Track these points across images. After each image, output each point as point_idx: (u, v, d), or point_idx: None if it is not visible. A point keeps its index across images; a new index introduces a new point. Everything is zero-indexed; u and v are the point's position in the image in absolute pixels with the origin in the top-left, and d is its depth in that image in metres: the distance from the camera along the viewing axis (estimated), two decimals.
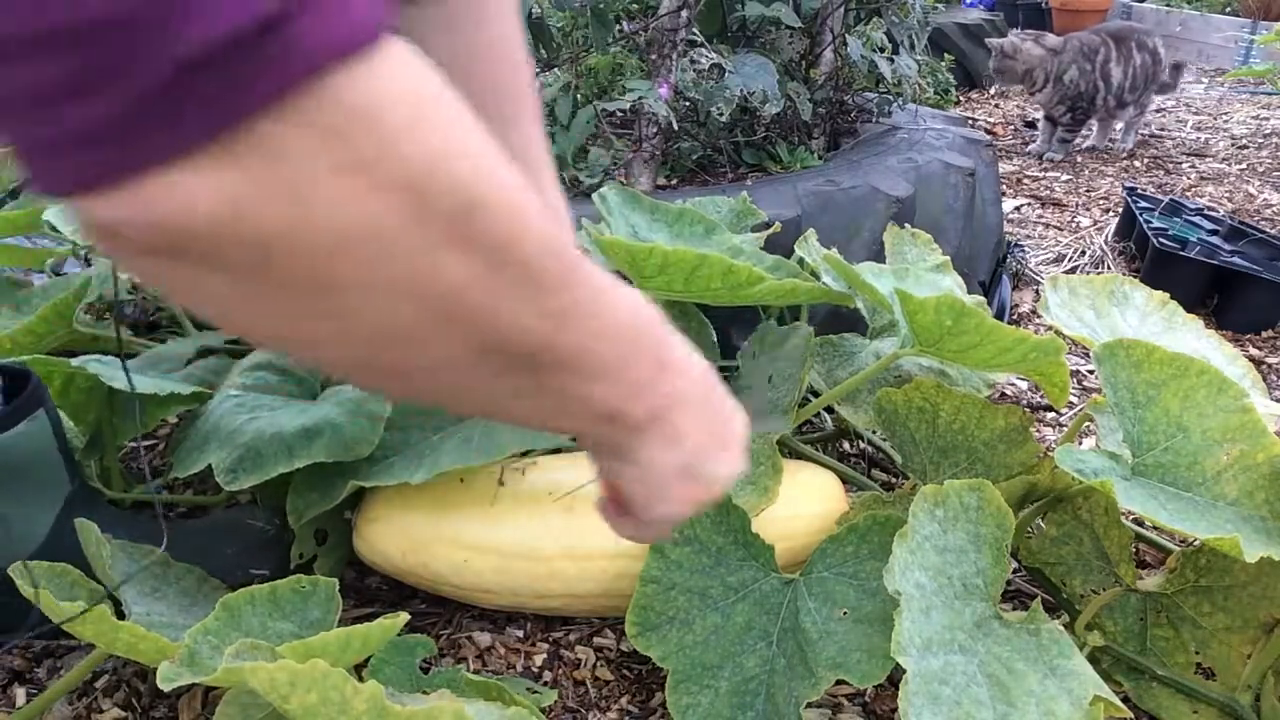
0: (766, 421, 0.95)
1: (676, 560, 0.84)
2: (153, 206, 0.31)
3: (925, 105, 2.02)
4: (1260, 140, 2.90)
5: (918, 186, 1.42)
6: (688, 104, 1.56)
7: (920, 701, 0.65)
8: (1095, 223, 2.20)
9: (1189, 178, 2.55)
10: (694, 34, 1.46)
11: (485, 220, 0.37)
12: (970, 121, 3.03)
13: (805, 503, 0.93)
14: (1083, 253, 2.02)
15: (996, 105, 3.43)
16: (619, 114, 1.56)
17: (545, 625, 0.97)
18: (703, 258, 0.90)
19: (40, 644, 0.92)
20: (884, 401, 0.97)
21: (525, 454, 0.96)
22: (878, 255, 1.26)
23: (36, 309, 1.05)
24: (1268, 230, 1.95)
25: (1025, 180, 2.54)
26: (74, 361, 0.92)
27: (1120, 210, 2.17)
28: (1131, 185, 2.32)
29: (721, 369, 1.08)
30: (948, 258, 1.20)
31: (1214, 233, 1.89)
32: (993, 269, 1.67)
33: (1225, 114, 3.26)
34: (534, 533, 0.89)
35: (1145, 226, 1.85)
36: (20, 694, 0.87)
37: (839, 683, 0.78)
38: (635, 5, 1.68)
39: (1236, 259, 1.75)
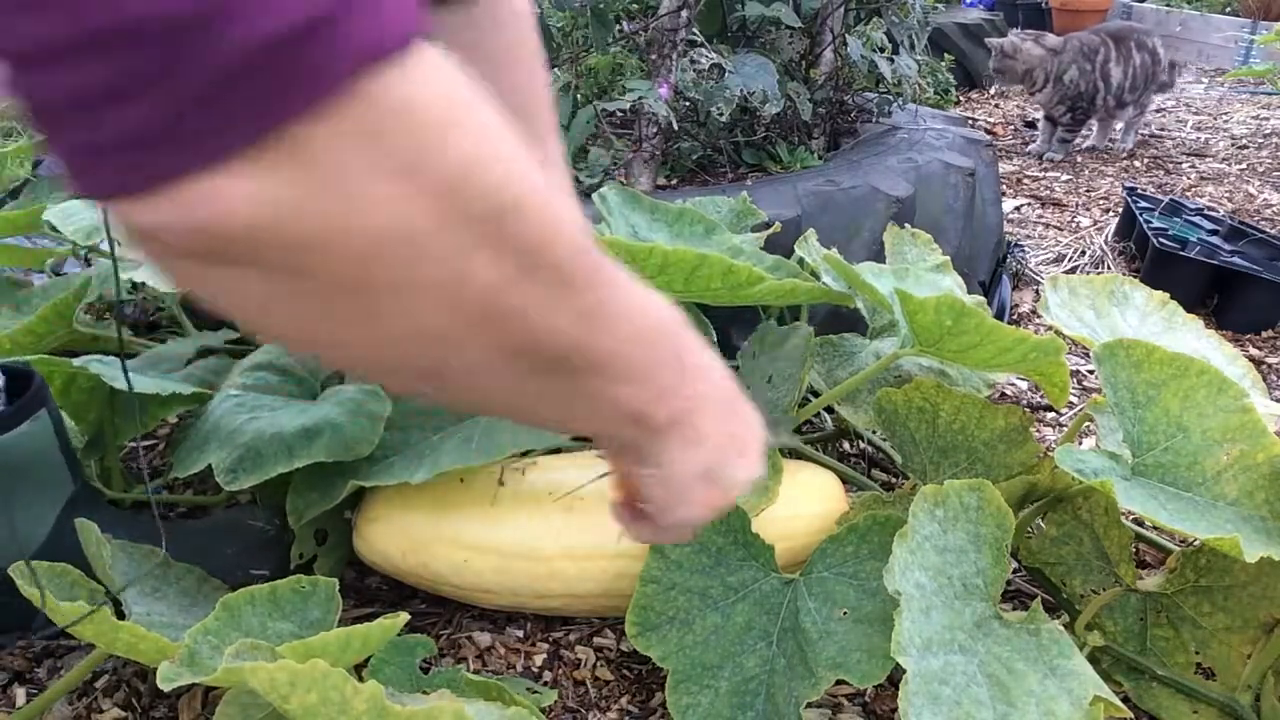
0: (774, 431, 0.95)
1: (676, 560, 0.84)
2: (193, 210, 0.31)
3: (925, 105, 2.02)
4: (1260, 140, 2.90)
5: (918, 186, 1.42)
6: (688, 104, 1.56)
7: (920, 701, 0.65)
8: (1095, 223, 2.20)
9: (1189, 178, 2.55)
10: (694, 34, 1.46)
11: (518, 223, 0.37)
12: (970, 121, 3.03)
13: (805, 503, 0.93)
14: (1083, 253, 2.02)
15: (996, 105, 3.43)
16: (619, 114, 1.56)
17: (545, 625, 0.97)
18: (703, 258, 0.90)
19: (40, 644, 0.92)
20: (884, 401, 0.97)
21: (525, 454, 0.96)
22: (878, 255, 1.26)
23: (36, 309, 1.05)
24: (1268, 230, 1.95)
25: (1025, 180, 2.54)
26: (76, 361, 0.92)
27: (1120, 210, 2.17)
28: (1131, 185, 2.32)
29: None
30: (948, 258, 1.20)
31: (1214, 233, 1.89)
32: (993, 269, 1.67)
33: (1225, 114, 3.26)
34: (534, 533, 0.89)
35: (1145, 226, 1.85)
36: (20, 694, 0.87)
37: (839, 683, 0.78)
38: (635, 5, 1.68)
39: (1236, 259, 1.75)
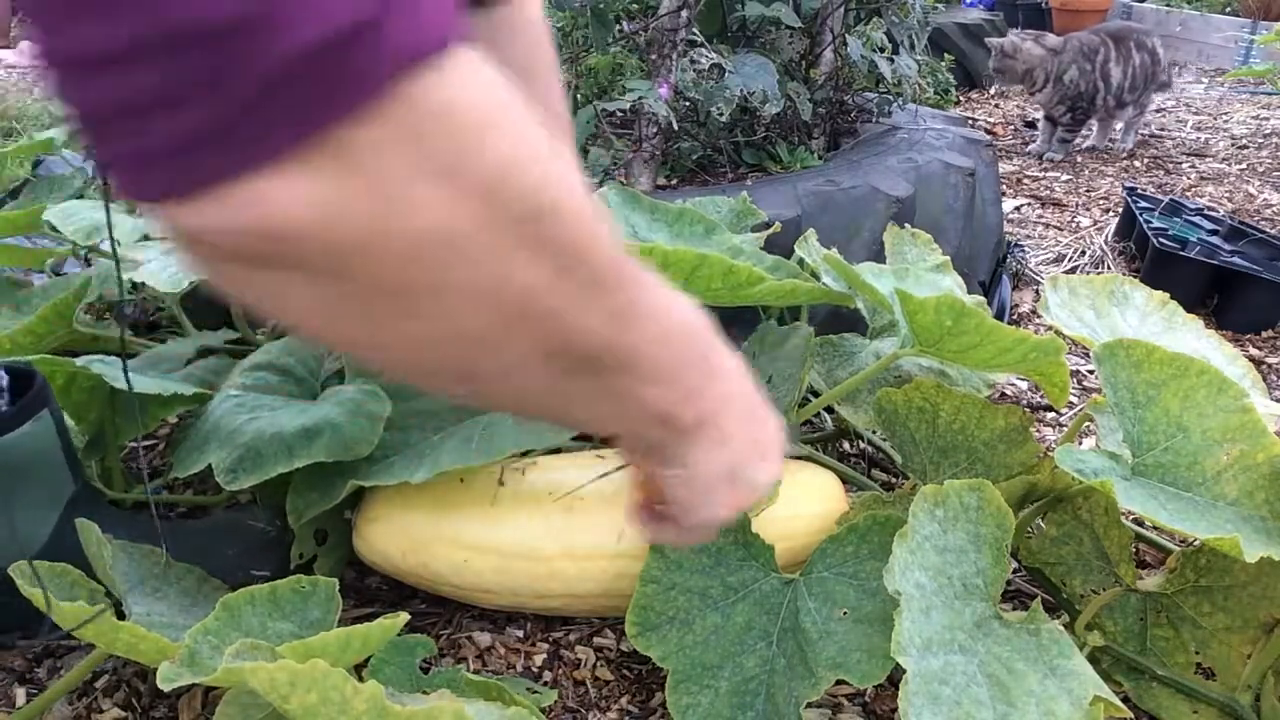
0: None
1: (676, 560, 0.84)
2: (241, 213, 0.31)
3: (925, 105, 2.02)
4: (1260, 140, 2.90)
5: (918, 186, 1.42)
6: (688, 104, 1.57)
7: (920, 701, 0.65)
8: (1095, 223, 2.20)
9: (1189, 178, 2.55)
10: (694, 34, 1.46)
11: (555, 225, 0.37)
12: (970, 121, 3.03)
13: (805, 503, 0.93)
14: (1083, 253, 2.02)
15: (996, 105, 3.43)
16: (619, 114, 1.56)
17: (545, 625, 0.97)
18: (703, 258, 0.90)
19: (41, 644, 0.92)
20: (884, 401, 0.97)
21: (525, 454, 0.96)
22: (878, 255, 1.26)
23: (36, 309, 1.05)
24: (1268, 230, 1.95)
25: (1025, 180, 2.54)
26: (77, 361, 0.92)
27: (1120, 210, 2.17)
28: (1131, 185, 2.32)
29: None
30: (948, 258, 1.20)
31: (1214, 233, 1.89)
32: (993, 269, 1.67)
33: (1225, 114, 3.26)
34: (534, 533, 0.89)
35: (1145, 226, 1.85)
36: (20, 694, 0.87)
37: (839, 683, 0.78)
38: (635, 5, 1.68)
39: (1236, 259, 1.75)
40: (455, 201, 0.34)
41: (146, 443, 1.24)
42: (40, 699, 0.80)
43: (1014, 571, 1.03)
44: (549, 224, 0.37)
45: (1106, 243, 2.04)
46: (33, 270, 1.37)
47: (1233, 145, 2.86)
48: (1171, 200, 2.04)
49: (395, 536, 0.91)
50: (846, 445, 1.25)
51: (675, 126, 1.42)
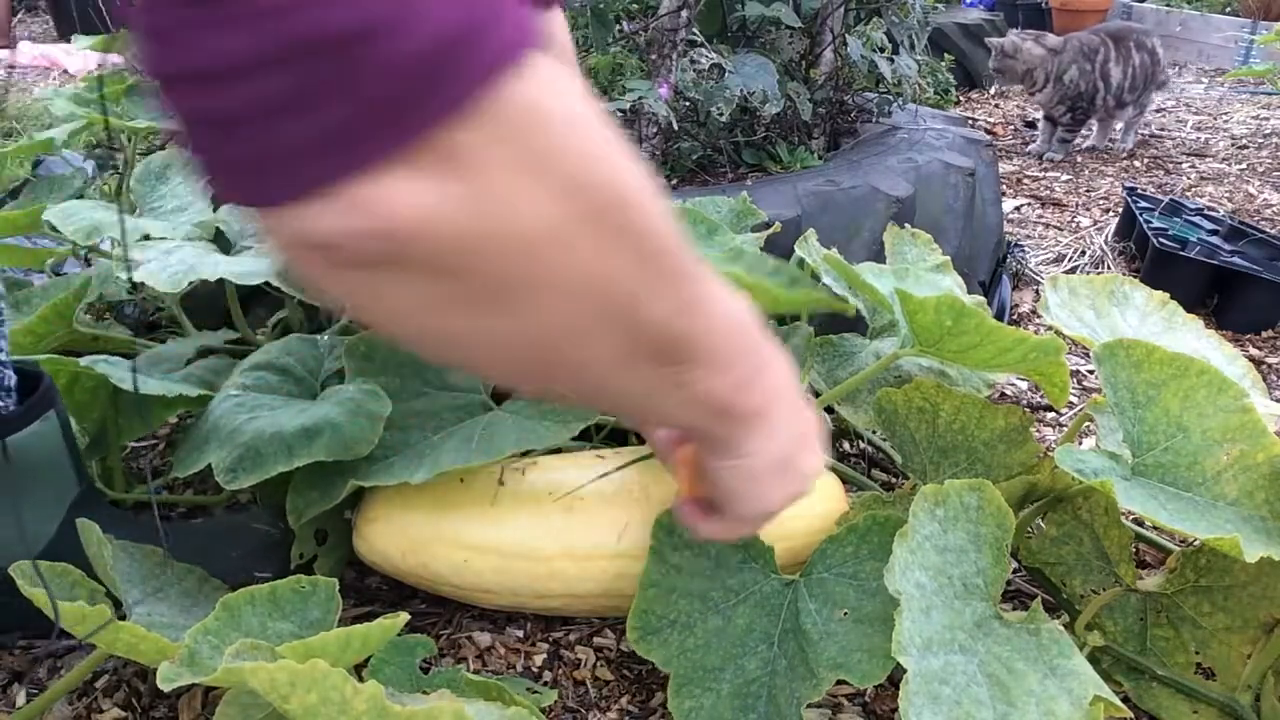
0: None
1: (676, 564, 0.84)
2: (356, 215, 0.33)
3: (925, 105, 2.01)
4: (1260, 140, 2.90)
5: (918, 186, 1.42)
6: (688, 104, 1.56)
7: (920, 701, 0.65)
8: (1095, 223, 2.20)
9: (1189, 178, 2.55)
10: (694, 34, 1.46)
11: (633, 214, 0.39)
12: (970, 121, 3.03)
13: (805, 503, 0.92)
14: (1083, 253, 2.02)
15: (996, 105, 3.43)
16: (619, 114, 1.56)
17: (545, 625, 0.97)
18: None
19: (41, 644, 0.92)
20: (884, 401, 0.97)
21: (525, 454, 0.96)
22: (878, 255, 1.26)
23: (36, 309, 1.05)
24: (1268, 230, 1.95)
25: (1025, 180, 2.54)
26: (82, 361, 0.92)
27: (1120, 210, 2.17)
28: (1131, 185, 2.32)
29: None
30: (948, 258, 1.20)
31: (1214, 233, 1.89)
32: (993, 269, 1.67)
33: (1225, 114, 3.26)
34: (534, 533, 0.89)
35: (1145, 226, 1.85)
36: (20, 694, 0.87)
37: (839, 683, 0.78)
38: (635, 5, 1.68)
39: (1236, 259, 1.75)
40: (550, 196, 0.35)
41: (146, 443, 1.24)
42: (40, 699, 0.79)
43: (1014, 571, 1.03)
44: (629, 215, 0.39)
45: (1106, 243, 2.04)
46: (33, 270, 1.37)
47: (1233, 145, 2.86)
48: (1171, 200, 2.04)
49: (395, 536, 0.90)
50: (846, 445, 1.25)
51: (675, 126, 1.42)
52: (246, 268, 1.04)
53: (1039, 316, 1.52)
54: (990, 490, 0.78)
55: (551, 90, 0.35)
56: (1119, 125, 2.82)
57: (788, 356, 0.56)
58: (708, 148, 1.63)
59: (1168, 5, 4.60)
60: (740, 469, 0.57)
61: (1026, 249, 1.94)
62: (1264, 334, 1.69)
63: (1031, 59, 2.62)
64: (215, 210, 1.20)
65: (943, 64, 3.18)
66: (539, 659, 0.93)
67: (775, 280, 0.77)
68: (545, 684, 0.90)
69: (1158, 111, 3.26)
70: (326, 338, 1.03)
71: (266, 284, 1.05)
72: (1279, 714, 0.82)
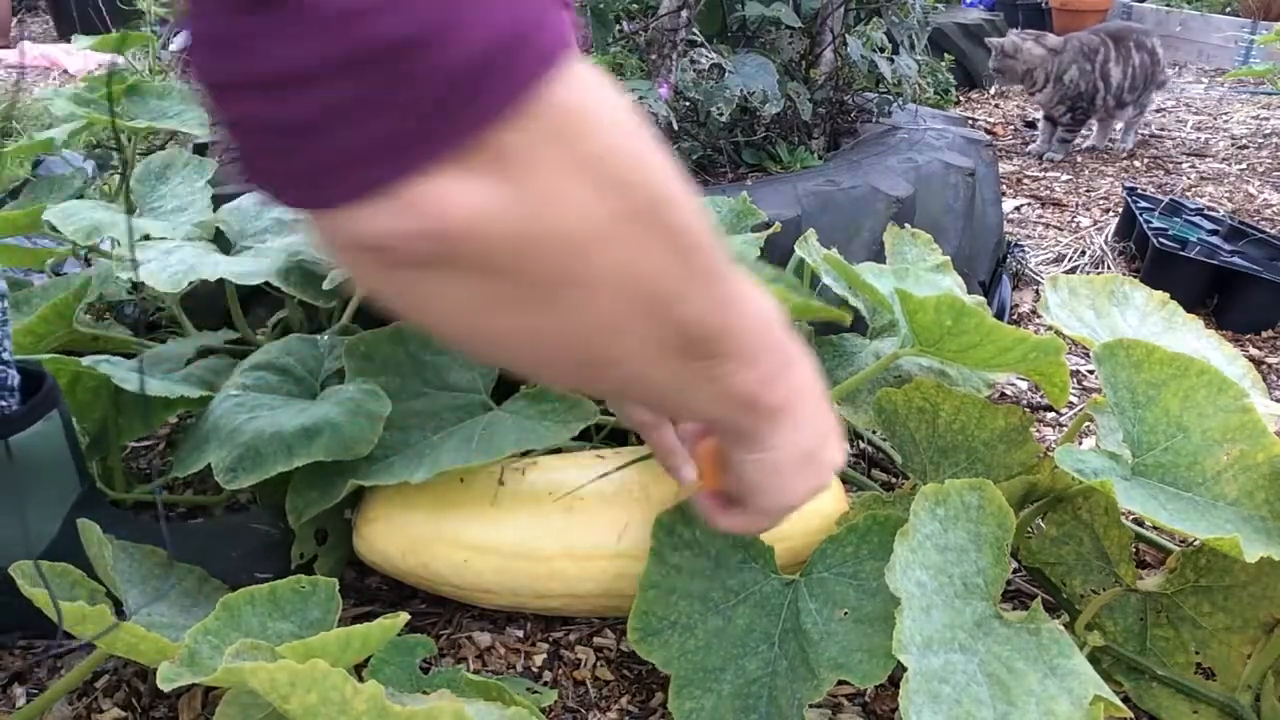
0: None
1: (676, 564, 0.84)
2: (411, 215, 0.34)
3: (925, 105, 2.01)
4: (1260, 140, 2.90)
5: (918, 186, 1.41)
6: (688, 104, 1.56)
7: (921, 700, 0.65)
8: (1095, 223, 2.20)
9: (1189, 178, 2.55)
10: (694, 34, 1.46)
11: (671, 213, 0.41)
12: (970, 121, 3.03)
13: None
14: (1083, 253, 2.02)
15: (996, 105, 3.43)
16: None
17: (545, 625, 0.97)
18: None
19: (41, 644, 0.92)
20: (884, 401, 0.97)
21: (525, 454, 0.96)
22: (878, 255, 1.26)
23: (36, 309, 1.05)
24: (1268, 230, 1.95)
25: (1025, 180, 2.54)
26: (84, 360, 0.92)
27: (1120, 210, 2.17)
28: (1131, 185, 2.32)
29: None
30: (948, 258, 1.20)
31: (1214, 233, 1.89)
32: (993, 269, 1.67)
33: (1225, 114, 3.26)
34: (534, 533, 0.89)
35: (1145, 226, 1.85)
36: (20, 694, 0.87)
37: (839, 683, 0.78)
38: (635, 5, 1.68)
39: (1236, 259, 1.75)
40: (594, 195, 0.37)
41: (146, 443, 1.24)
42: (40, 699, 0.79)
43: (1014, 571, 1.03)
44: (668, 213, 0.40)
45: (1106, 243, 2.04)
46: (33, 270, 1.37)
47: (1233, 145, 2.86)
48: (1171, 200, 2.04)
49: (395, 536, 0.90)
50: (846, 445, 1.24)
51: (675, 126, 1.42)
52: (246, 268, 1.04)
53: (1039, 316, 1.52)
54: (991, 490, 0.78)
55: (592, 92, 0.36)
56: (1119, 125, 2.82)
57: (809, 355, 0.58)
58: (708, 148, 1.63)
59: (1168, 5, 4.60)
60: (764, 462, 0.59)
61: (1026, 249, 1.94)
62: (1264, 334, 1.69)
63: (1032, 59, 2.62)
64: (215, 210, 1.21)
65: (943, 64, 3.18)
66: (539, 659, 0.93)
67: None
68: (545, 684, 0.90)
69: (1158, 111, 3.26)
70: (326, 338, 1.03)
71: (266, 284, 1.05)
72: (1279, 714, 0.81)
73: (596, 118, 0.37)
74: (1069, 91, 2.62)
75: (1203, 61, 4.23)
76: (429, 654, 0.81)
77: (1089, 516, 0.91)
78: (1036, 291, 1.79)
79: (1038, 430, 1.35)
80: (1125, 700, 0.86)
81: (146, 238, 1.11)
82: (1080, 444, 1.14)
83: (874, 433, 1.17)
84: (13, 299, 1.15)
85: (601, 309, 0.40)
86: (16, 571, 0.72)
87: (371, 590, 1.01)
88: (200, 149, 1.56)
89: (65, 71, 3.39)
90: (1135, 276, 1.26)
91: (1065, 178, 2.56)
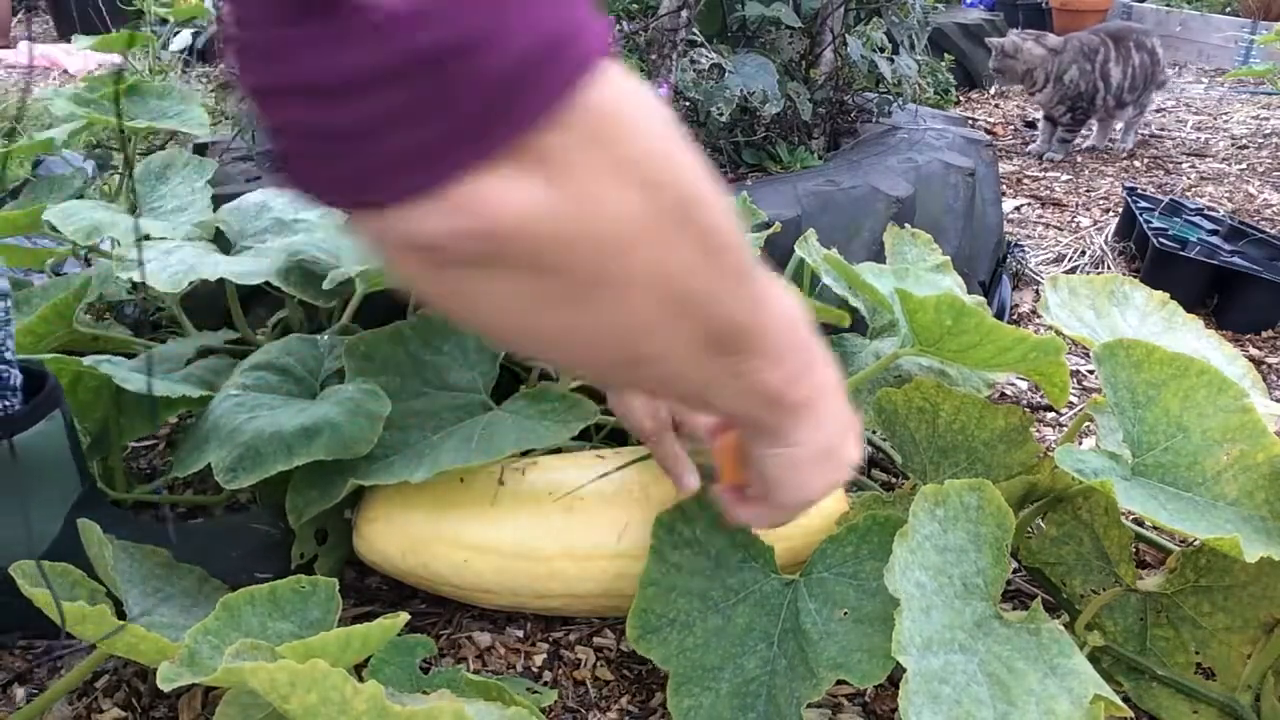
0: None
1: (676, 563, 0.84)
2: (461, 215, 0.35)
3: (925, 105, 2.01)
4: (1260, 140, 2.90)
5: (918, 186, 1.41)
6: (688, 104, 1.56)
7: (920, 700, 0.65)
8: (1095, 223, 2.20)
9: (1189, 178, 2.55)
10: (694, 34, 1.46)
11: (704, 211, 0.42)
12: (970, 121, 3.03)
13: None
14: (1083, 253, 2.02)
15: (996, 105, 3.43)
16: None
17: (545, 625, 0.97)
18: None
19: (41, 644, 0.92)
20: (884, 401, 0.97)
21: (525, 454, 0.96)
22: (878, 255, 1.26)
23: (36, 309, 1.05)
24: (1268, 230, 1.95)
25: (1025, 180, 2.54)
26: (85, 360, 0.92)
27: (1120, 210, 2.17)
28: (1131, 185, 2.32)
29: None
30: (948, 258, 1.20)
31: (1214, 233, 1.89)
32: (993, 269, 1.67)
33: (1225, 114, 3.26)
34: (534, 533, 0.89)
35: (1145, 226, 1.85)
36: (20, 694, 0.87)
37: (839, 682, 0.78)
38: (635, 5, 1.68)
39: (1236, 259, 1.75)
40: (632, 194, 0.38)
41: (146, 443, 1.25)
42: (40, 699, 0.79)
43: (1014, 571, 1.03)
44: (701, 212, 0.42)
45: (1106, 243, 2.04)
46: (33, 270, 1.37)
47: (1233, 145, 2.86)
48: (1171, 200, 2.03)
49: (395, 536, 0.90)
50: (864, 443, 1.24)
51: None
52: (246, 268, 1.04)
53: (1039, 316, 1.52)
54: (990, 490, 0.78)
55: (627, 95, 0.38)
56: (1119, 125, 2.82)
57: (829, 353, 0.60)
58: (708, 148, 1.63)
59: (1168, 5, 4.60)
60: (785, 457, 0.60)
61: (1026, 249, 1.94)
62: (1264, 334, 1.69)
63: (1032, 59, 2.62)
64: (215, 210, 1.21)
65: (943, 64, 3.18)
66: (539, 659, 0.93)
67: None
68: (545, 684, 0.90)
69: (1158, 111, 3.26)
70: (326, 338, 1.03)
71: (266, 284, 1.05)
72: (1279, 714, 0.82)
73: (632, 120, 0.38)
74: (1069, 91, 2.62)
75: (1203, 61, 4.23)
76: (429, 654, 0.81)
77: (1089, 516, 0.91)
78: (1036, 291, 1.79)
79: (1038, 430, 1.35)
80: (1125, 700, 0.86)
81: (147, 238, 1.11)
82: (1080, 444, 1.14)
83: (874, 432, 1.17)
84: (13, 299, 1.15)
85: (635, 306, 0.41)
86: (17, 571, 0.72)
87: (371, 590, 1.01)
88: (200, 149, 1.56)
89: (65, 71, 3.39)
90: (1135, 276, 1.26)
91: (1065, 178, 2.56)
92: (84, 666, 0.76)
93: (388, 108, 0.33)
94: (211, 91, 2.43)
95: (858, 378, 1.02)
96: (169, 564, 0.88)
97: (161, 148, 1.88)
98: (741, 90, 1.42)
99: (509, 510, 0.90)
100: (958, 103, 3.38)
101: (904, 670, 0.66)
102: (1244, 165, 2.65)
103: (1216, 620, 0.85)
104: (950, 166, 1.50)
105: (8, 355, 0.85)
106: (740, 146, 1.63)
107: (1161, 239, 1.78)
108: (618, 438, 1.07)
